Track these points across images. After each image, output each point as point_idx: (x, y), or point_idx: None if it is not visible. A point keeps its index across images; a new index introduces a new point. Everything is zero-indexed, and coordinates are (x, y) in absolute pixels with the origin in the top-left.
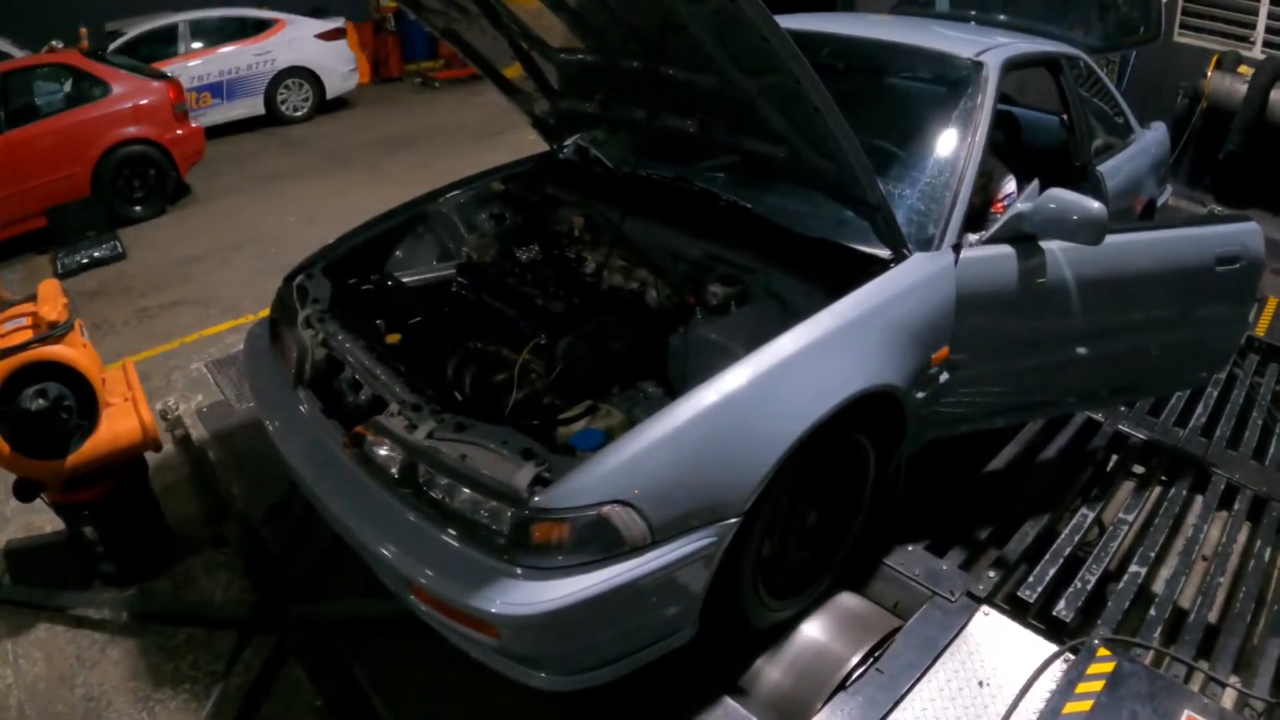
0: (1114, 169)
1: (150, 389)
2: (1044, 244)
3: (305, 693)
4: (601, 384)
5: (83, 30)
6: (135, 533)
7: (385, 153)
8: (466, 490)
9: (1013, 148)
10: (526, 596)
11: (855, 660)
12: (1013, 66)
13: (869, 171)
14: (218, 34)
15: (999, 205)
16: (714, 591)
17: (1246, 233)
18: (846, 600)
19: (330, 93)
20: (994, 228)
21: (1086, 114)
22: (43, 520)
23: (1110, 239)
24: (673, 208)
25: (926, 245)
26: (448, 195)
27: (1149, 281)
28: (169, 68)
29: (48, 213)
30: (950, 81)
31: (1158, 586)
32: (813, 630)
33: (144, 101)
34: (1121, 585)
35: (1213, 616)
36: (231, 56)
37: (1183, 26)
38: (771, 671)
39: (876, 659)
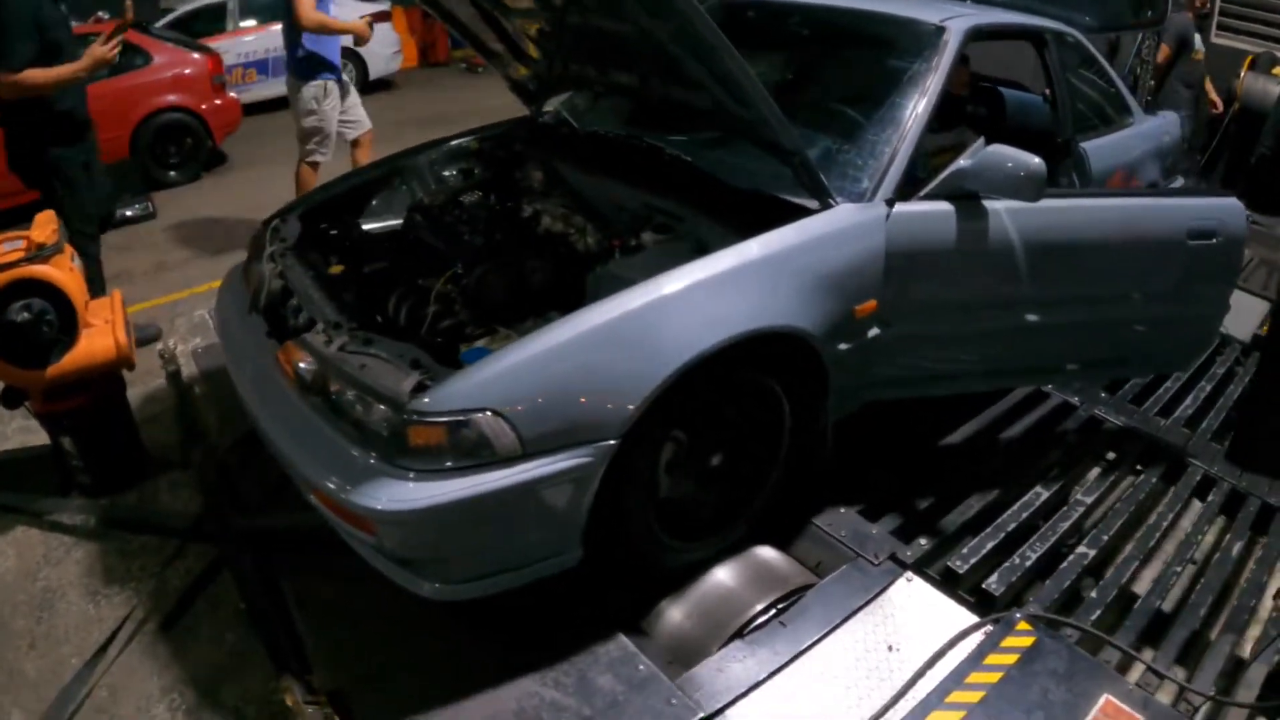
0: (1101, 147)
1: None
2: (989, 204)
3: (233, 598)
4: (515, 313)
5: (128, 2)
6: (109, 447)
7: (418, 131)
8: (360, 396)
9: (997, 124)
10: (396, 494)
11: (759, 608)
12: (980, 35)
13: (778, 115)
14: (266, 12)
15: None
16: (600, 518)
17: (1225, 208)
18: (764, 552)
19: (373, 73)
20: (932, 183)
21: (1070, 91)
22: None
23: (1062, 202)
24: (622, 162)
25: (859, 198)
26: (426, 152)
27: (1107, 250)
28: (217, 44)
29: None
30: (911, 46)
31: (1109, 573)
32: (722, 575)
33: (183, 72)
34: (1064, 565)
35: (1168, 607)
36: (278, 34)
37: (1220, 28)
38: (674, 611)
39: (781, 611)
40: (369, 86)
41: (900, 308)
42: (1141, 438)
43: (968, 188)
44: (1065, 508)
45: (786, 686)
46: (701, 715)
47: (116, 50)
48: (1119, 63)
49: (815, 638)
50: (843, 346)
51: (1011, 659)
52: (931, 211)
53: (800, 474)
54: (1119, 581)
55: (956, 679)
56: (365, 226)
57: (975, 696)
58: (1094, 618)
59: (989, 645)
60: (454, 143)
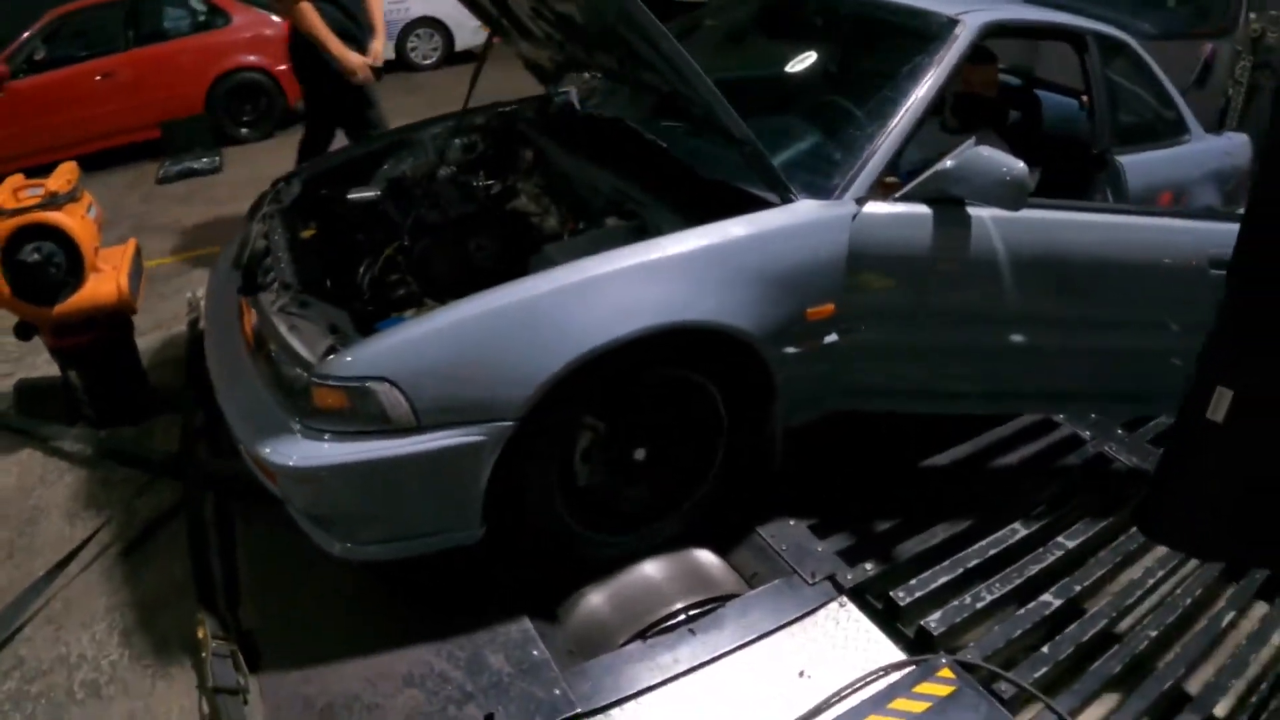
0: (1144, 163)
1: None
2: (974, 211)
3: None
4: (454, 289)
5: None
6: (112, 384)
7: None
8: (283, 354)
9: (1032, 130)
10: (294, 450)
11: (676, 608)
12: (1002, 31)
13: (723, 104)
14: None
15: None
16: (501, 498)
17: None
18: (699, 554)
19: (459, 45)
20: (911, 184)
21: (1111, 100)
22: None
23: (1057, 215)
24: (607, 146)
25: (827, 194)
26: (437, 124)
27: (1113, 271)
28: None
29: (161, 125)
30: (921, 39)
31: (1071, 628)
32: (650, 569)
33: (261, 33)
34: (1021, 613)
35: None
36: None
37: None
38: (594, 598)
39: (695, 617)
40: (455, 57)
41: (865, 314)
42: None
43: (950, 191)
44: (1042, 550)
45: (676, 697)
46: (579, 711)
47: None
48: (1214, 83)
49: (721, 651)
50: (791, 350)
51: (921, 706)
52: (906, 214)
53: (747, 479)
54: (1079, 638)
55: (854, 718)
56: (352, 195)
57: None
58: (1038, 675)
59: (902, 688)
60: (465, 118)
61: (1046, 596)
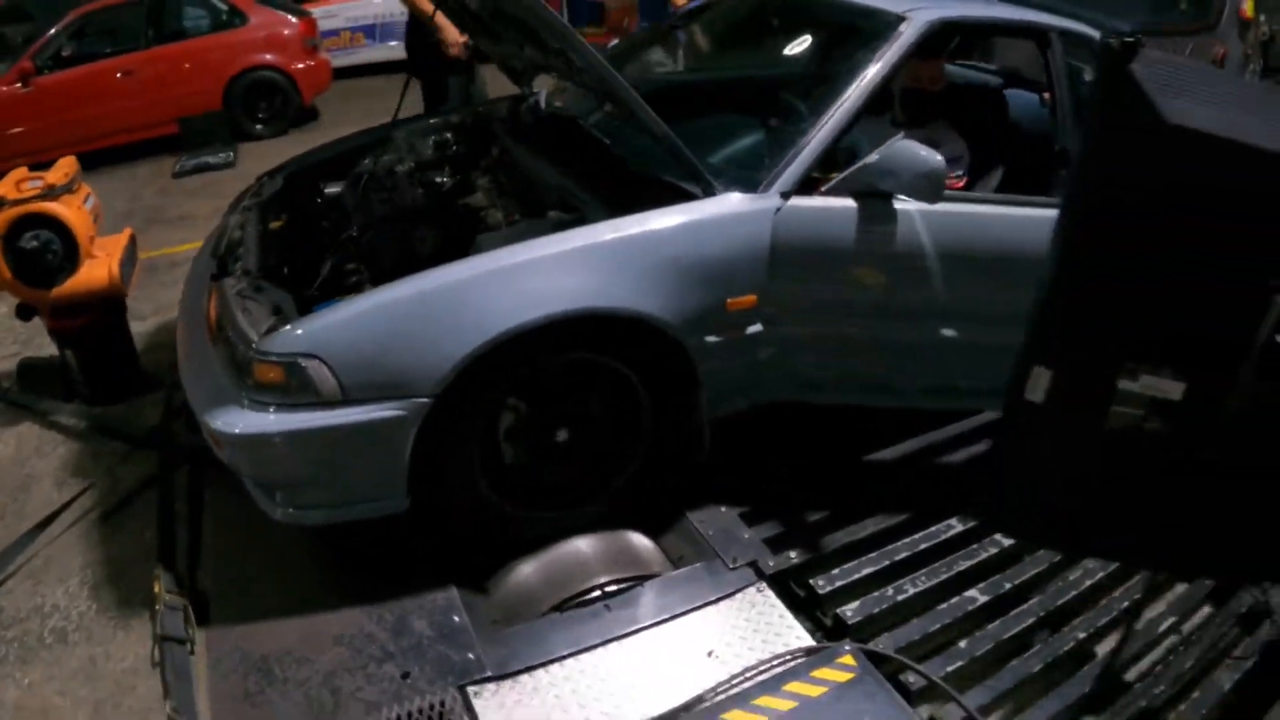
0: None
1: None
2: (901, 205)
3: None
4: (399, 274)
5: None
6: (105, 364)
7: None
8: (235, 334)
9: (994, 125)
10: (235, 419)
11: (597, 583)
12: (949, 29)
13: (638, 102)
14: None
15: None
16: (423, 471)
17: None
18: (629, 535)
19: None
20: (837, 178)
21: (1076, 96)
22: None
23: (988, 209)
24: (562, 143)
25: (753, 187)
26: (417, 122)
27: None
28: (325, 8)
29: (180, 121)
30: (867, 36)
31: (994, 625)
32: (581, 544)
33: (277, 33)
34: (943, 607)
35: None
36: (387, 1)
37: None
38: (524, 568)
39: (612, 594)
40: (477, 57)
41: (789, 306)
42: None
43: (875, 185)
44: (976, 546)
45: (584, 668)
46: (489, 675)
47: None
48: None
49: (634, 627)
50: (712, 339)
51: (816, 690)
52: (830, 208)
53: (678, 465)
54: (1000, 636)
55: (743, 700)
56: (327, 189)
57: None
58: (951, 669)
59: (800, 671)
60: (443, 116)
61: (973, 592)
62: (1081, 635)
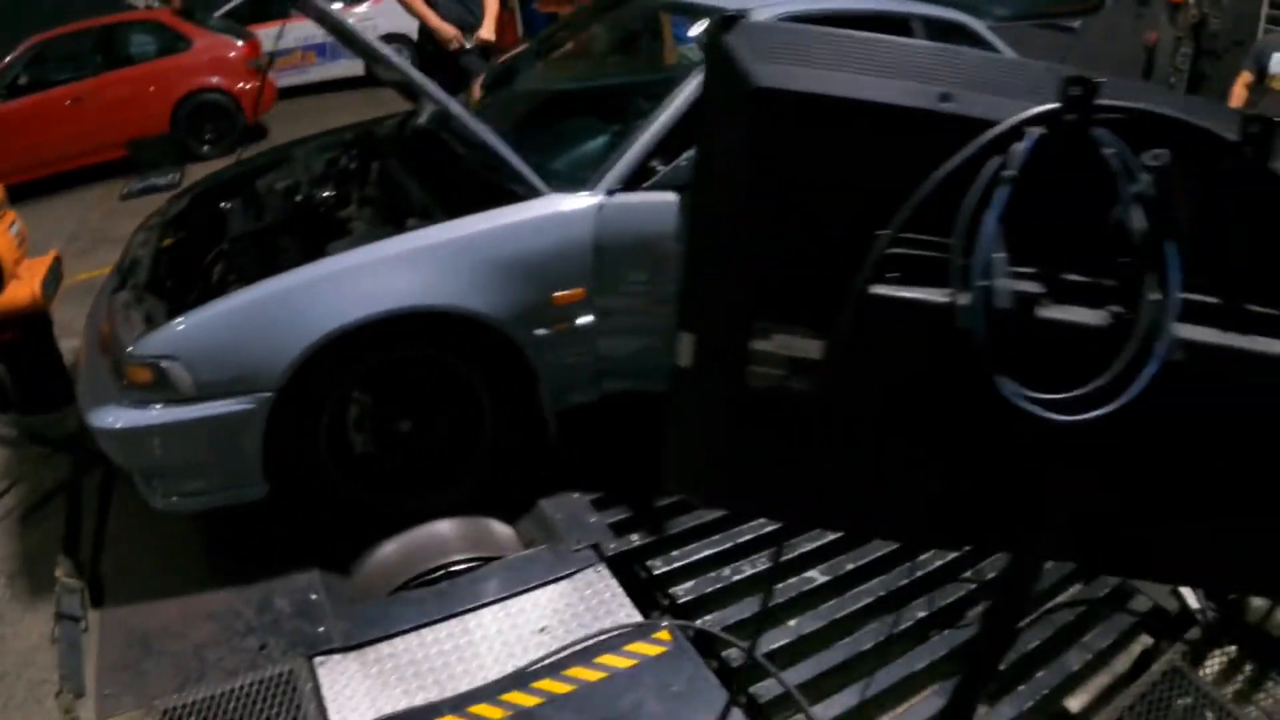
0: None
1: None
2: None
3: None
4: None
5: None
6: (34, 376)
7: None
8: (115, 341)
9: None
10: (111, 415)
11: (446, 561)
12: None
13: (449, 104)
14: None
15: None
16: (276, 459)
17: None
18: (487, 520)
19: None
20: (661, 173)
21: None
22: None
23: None
24: (426, 157)
25: (580, 186)
26: (314, 140)
27: None
28: (277, 27)
29: (128, 145)
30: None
31: (824, 605)
32: (441, 526)
33: (220, 56)
34: (780, 588)
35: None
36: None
37: None
38: (385, 548)
39: (455, 574)
40: (427, 72)
41: (618, 297)
42: None
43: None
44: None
45: (424, 640)
46: (335, 646)
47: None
48: (1157, 73)
49: (471, 604)
50: (543, 332)
51: (626, 662)
52: (651, 202)
53: (525, 453)
54: (832, 616)
55: (555, 670)
56: (221, 206)
57: (564, 688)
58: (777, 645)
59: (615, 644)
60: (336, 135)
61: (813, 573)
62: (921, 614)
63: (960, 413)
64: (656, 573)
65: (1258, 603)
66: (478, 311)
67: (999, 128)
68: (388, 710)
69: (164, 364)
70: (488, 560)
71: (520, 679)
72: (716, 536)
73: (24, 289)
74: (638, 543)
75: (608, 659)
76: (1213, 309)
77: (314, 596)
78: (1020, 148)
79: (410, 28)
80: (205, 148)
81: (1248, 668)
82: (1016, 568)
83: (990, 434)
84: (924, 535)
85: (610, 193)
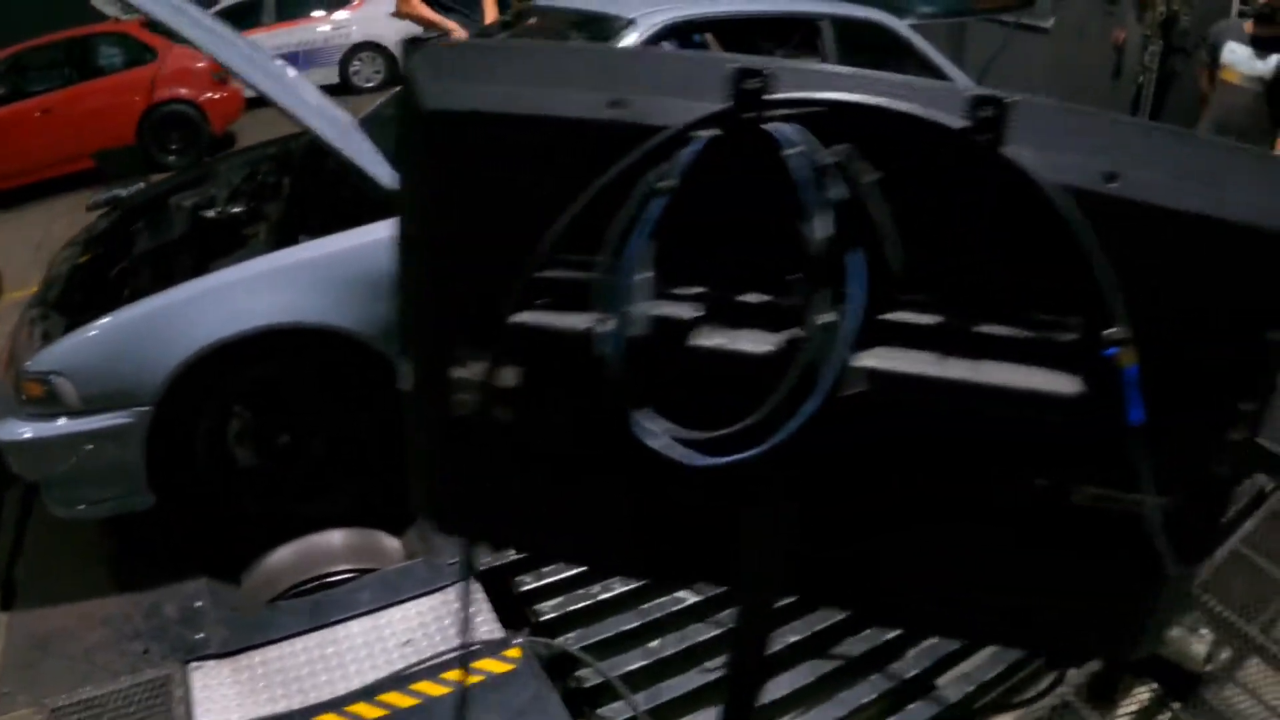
0: None
1: None
2: None
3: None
4: None
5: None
6: None
7: None
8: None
9: None
10: (9, 428)
11: (329, 570)
12: (687, 27)
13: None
14: (298, 7)
15: None
16: (168, 473)
17: None
18: (377, 532)
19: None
20: None
21: None
22: None
23: None
24: (324, 172)
25: None
26: (237, 156)
27: None
28: (250, 37)
29: (95, 156)
30: (603, 41)
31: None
32: (332, 536)
33: (186, 67)
34: (643, 607)
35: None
36: (309, 28)
37: None
38: (276, 554)
39: (334, 584)
40: (398, 79)
41: None
42: None
43: None
44: None
45: (294, 649)
46: (211, 653)
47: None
48: (1126, 72)
49: (341, 615)
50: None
51: (473, 679)
52: None
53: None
54: (696, 638)
55: (402, 683)
56: (138, 223)
57: (408, 702)
58: (636, 666)
59: (465, 661)
60: (261, 149)
61: (684, 593)
62: (793, 639)
63: (620, 447)
64: (525, 589)
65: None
66: (344, 328)
67: (661, 135)
68: (251, 716)
69: (52, 379)
70: (366, 571)
71: (369, 692)
72: None
73: None
74: (511, 558)
75: (455, 674)
76: (925, 329)
77: (199, 604)
78: (683, 154)
79: (385, 35)
80: (171, 158)
81: (1146, 698)
82: (739, 606)
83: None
84: (626, 566)
85: None
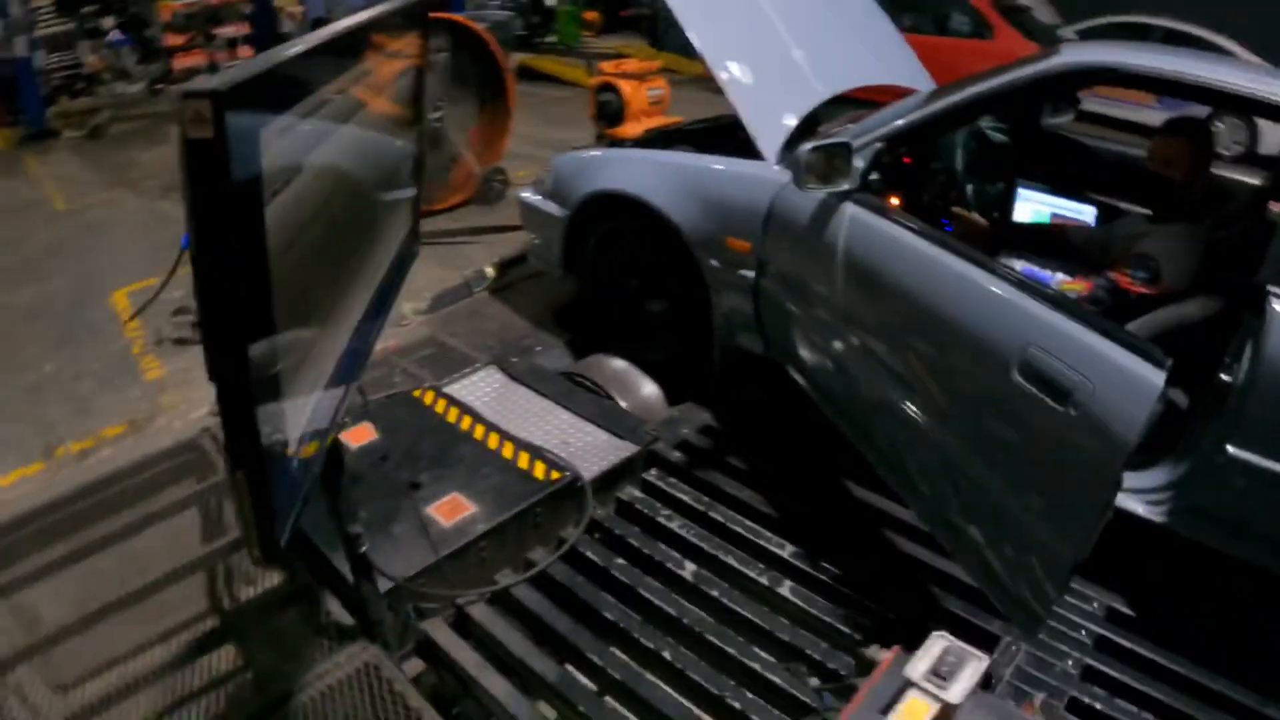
0: None
1: None
2: (849, 205)
3: None
4: None
5: None
6: None
7: None
8: None
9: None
10: (525, 193)
11: (599, 381)
12: (1099, 72)
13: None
14: None
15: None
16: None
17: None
18: (654, 390)
19: None
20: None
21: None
22: None
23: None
24: None
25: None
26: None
27: (938, 337)
28: None
29: None
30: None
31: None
32: (631, 370)
33: (1013, 50)
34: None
35: None
36: None
37: None
38: (606, 357)
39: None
40: None
41: (772, 266)
42: None
43: None
44: None
45: (526, 394)
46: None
47: None
48: None
49: (568, 405)
50: (714, 263)
51: (555, 475)
52: (814, 200)
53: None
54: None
55: (535, 451)
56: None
57: (524, 462)
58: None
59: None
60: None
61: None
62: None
63: None
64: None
65: None
66: (663, 210)
67: None
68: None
69: (546, 173)
70: (610, 400)
71: (520, 441)
72: None
73: None
74: None
75: (550, 474)
76: None
77: (538, 348)
78: None
79: None
80: None
81: None
82: None
83: None
84: None
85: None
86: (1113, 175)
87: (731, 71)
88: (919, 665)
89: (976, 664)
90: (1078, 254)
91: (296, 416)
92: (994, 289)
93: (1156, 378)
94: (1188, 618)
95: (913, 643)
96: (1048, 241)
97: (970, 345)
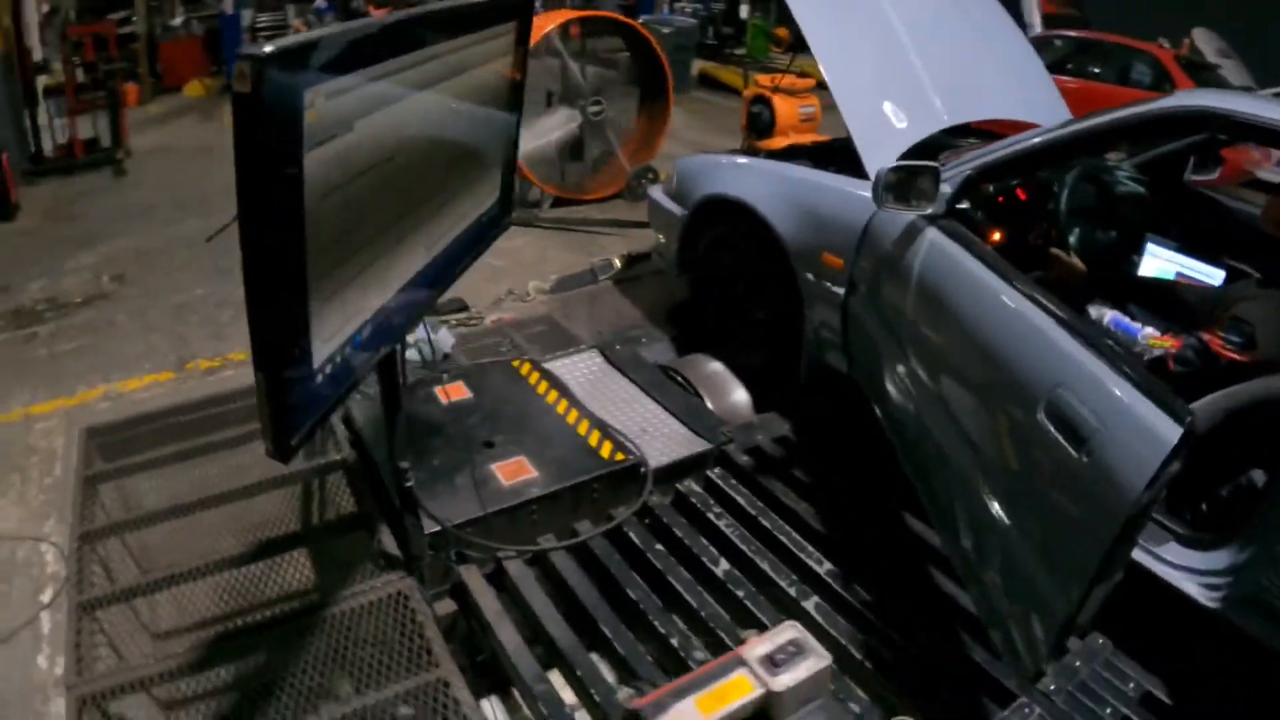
0: None
1: None
2: (931, 229)
3: None
4: None
5: None
6: None
7: None
8: None
9: None
10: (654, 192)
11: (690, 378)
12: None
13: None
14: None
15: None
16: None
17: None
18: (743, 394)
19: None
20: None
21: None
22: None
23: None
24: None
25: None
26: None
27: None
28: None
29: None
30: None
31: None
32: (722, 371)
33: None
34: None
35: None
36: None
37: None
38: (702, 358)
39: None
40: None
41: (861, 286)
42: None
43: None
44: None
45: (612, 376)
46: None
47: None
48: None
49: (652, 393)
50: (810, 276)
51: (619, 456)
52: (906, 220)
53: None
54: None
55: (604, 430)
56: None
57: (594, 440)
58: None
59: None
60: None
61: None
62: None
63: None
64: None
65: None
66: (766, 216)
67: None
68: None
69: (673, 173)
70: (699, 396)
71: (592, 416)
72: None
73: None
74: None
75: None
76: None
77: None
78: None
79: None
80: None
81: None
82: None
83: None
84: None
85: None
86: (1246, 237)
87: (848, 84)
88: (758, 649)
89: (816, 661)
90: (1190, 314)
91: (326, 341)
92: (1035, 323)
93: (1171, 432)
94: (1226, 715)
95: (922, 685)
96: (1160, 298)
97: (1003, 379)
